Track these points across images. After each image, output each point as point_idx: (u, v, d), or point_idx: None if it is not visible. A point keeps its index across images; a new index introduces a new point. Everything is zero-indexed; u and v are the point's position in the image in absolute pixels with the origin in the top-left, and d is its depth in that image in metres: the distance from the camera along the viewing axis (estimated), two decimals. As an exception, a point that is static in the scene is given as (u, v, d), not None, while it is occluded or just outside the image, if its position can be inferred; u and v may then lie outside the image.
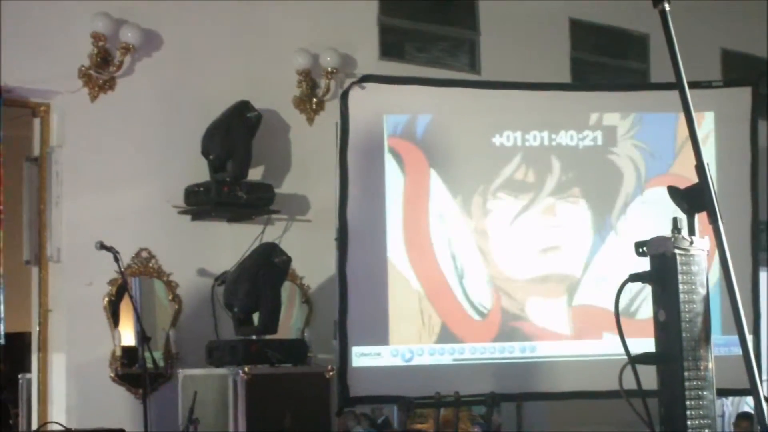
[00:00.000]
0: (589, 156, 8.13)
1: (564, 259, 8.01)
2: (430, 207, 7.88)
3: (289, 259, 7.45)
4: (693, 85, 3.70)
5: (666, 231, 4.58)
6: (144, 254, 7.70)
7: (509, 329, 7.83)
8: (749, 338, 7.16)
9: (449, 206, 7.89)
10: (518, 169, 8.03)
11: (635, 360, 4.48)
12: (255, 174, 8.09)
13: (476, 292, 7.83)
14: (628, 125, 8.18)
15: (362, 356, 7.55)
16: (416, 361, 7.66)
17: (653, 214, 7.67)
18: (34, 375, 7.50)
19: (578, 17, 9.90)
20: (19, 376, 7.97)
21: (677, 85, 3.34)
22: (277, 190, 8.05)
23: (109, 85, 7.73)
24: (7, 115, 7.38)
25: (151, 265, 7.71)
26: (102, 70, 7.66)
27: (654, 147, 8.15)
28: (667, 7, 3.34)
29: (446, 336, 7.73)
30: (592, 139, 8.14)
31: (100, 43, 7.59)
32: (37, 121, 7.69)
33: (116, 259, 6.64)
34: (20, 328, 7.79)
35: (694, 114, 3.33)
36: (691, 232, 4.45)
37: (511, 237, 7.98)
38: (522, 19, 9.54)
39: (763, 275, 8.13)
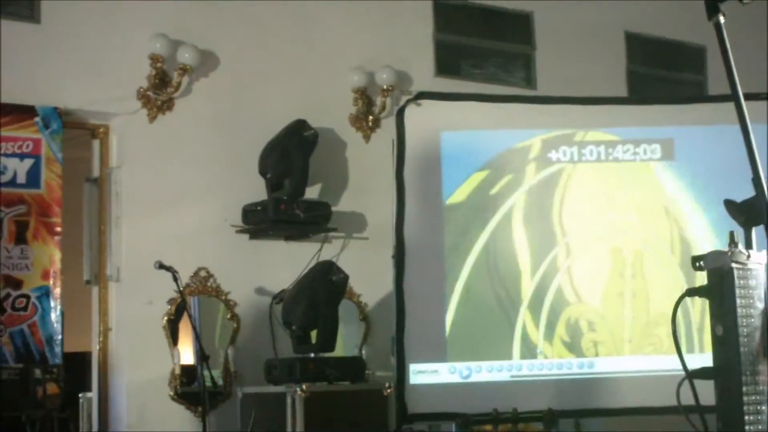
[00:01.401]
0: (647, 170, 8.08)
1: (625, 274, 7.95)
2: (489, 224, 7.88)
3: (346, 277, 7.46)
4: (749, 96, 3.67)
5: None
6: (202, 273, 7.74)
7: (568, 345, 7.80)
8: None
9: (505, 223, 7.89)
10: (576, 184, 8.01)
11: (693, 375, 4.45)
12: (312, 192, 8.12)
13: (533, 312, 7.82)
14: (686, 138, 8.12)
15: (420, 373, 7.53)
16: (474, 378, 7.63)
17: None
18: (94, 394, 7.58)
19: (634, 30, 9.85)
20: (80, 395, 8.05)
21: (732, 97, 3.32)
22: (334, 208, 8.06)
23: (167, 105, 7.80)
24: (67, 137, 7.47)
25: (209, 284, 7.76)
26: (160, 91, 7.73)
27: (713, 159, 8.07)
28: (722, 19, 3.33)
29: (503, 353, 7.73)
30: (650, 152, 8.08)
31: (158, 65, 7.66)
32: (96, 143, 7.78)
33: (175, 279, 6.69)
34: (81, 348, 7.87)
35: (750, 125, 3.31)
36: (749, 245, 4.41)
37: (574, 253, 7.94)
38: (577, 32, 9.50)
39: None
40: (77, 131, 7.74)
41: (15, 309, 7.06)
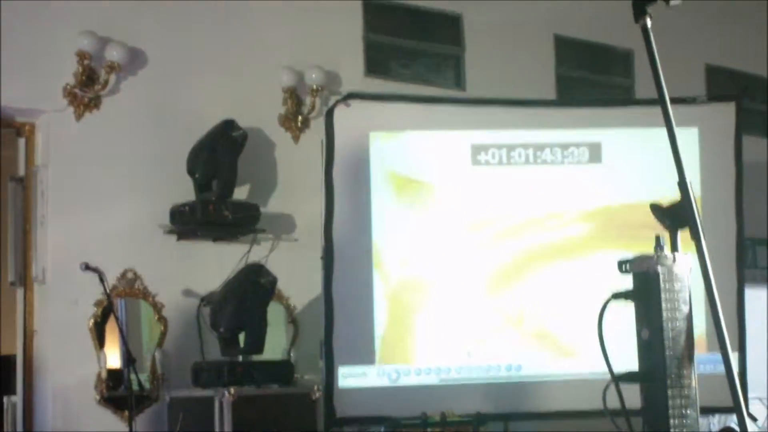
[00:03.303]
0: (575, 173, 8.13)
1: (547, 278, 8.01)
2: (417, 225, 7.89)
3: (275, 279, 7.43)
4: (677, 100, 3.72)
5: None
6: (129, 275, 7.66)
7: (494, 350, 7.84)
8: (735, 356, 7.19)
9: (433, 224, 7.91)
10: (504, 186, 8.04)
11: (619, 379, 4.49)
12: (241, 193, 8.07)
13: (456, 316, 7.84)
14: (614, 141, 8.19)
15: (348, 377, 7.52)
16: (402, 382, 7.64)
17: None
18: (19, 397, 7.46)
19: (563, 33, 9.91)
20: (5, 398, 7.93)
21: (659, 101, 3.34)
22: (263, 209, 8.02)
23: (94, 103, 7.70)
24: (-8, 134, 7.37)
25: (136, 285, 7.68)
26: (87, 88, 7.63)
27: (639, 163, 8.14)
28: (648, 22, 3.35)
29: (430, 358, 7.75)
30: (577, 155, 8.13)
31: (85, 62, 7.57)
32: (21, 141, 7.66)
33: (101, 280, 6.63)
34: (5, 351, 7.77)
35: (676, 129, 3.34)
36: (674, 249, 4.46)
37: (496, 255, 7.97)
38: (506, 34, 9.53)
39: (748, 292, 8.12)
40: (2, 129, 7.61)
41: (-64, 311, 6.96)
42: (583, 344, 7.60)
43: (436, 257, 7.88)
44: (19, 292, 7.53)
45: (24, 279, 7.50)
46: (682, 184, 3.33)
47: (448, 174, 7.98)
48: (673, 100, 3.35)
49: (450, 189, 7.98)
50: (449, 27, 9.43)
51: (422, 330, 7.76)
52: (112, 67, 7.66)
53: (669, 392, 4.42)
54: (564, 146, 8.13)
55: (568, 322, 7.86)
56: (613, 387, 4.40)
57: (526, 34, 9.66)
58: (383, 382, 7.61)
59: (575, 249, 8.03)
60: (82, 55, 7.55)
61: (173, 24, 8.10)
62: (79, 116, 7.67)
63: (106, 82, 7.68)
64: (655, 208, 4.64)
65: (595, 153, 8.15)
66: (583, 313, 7.71)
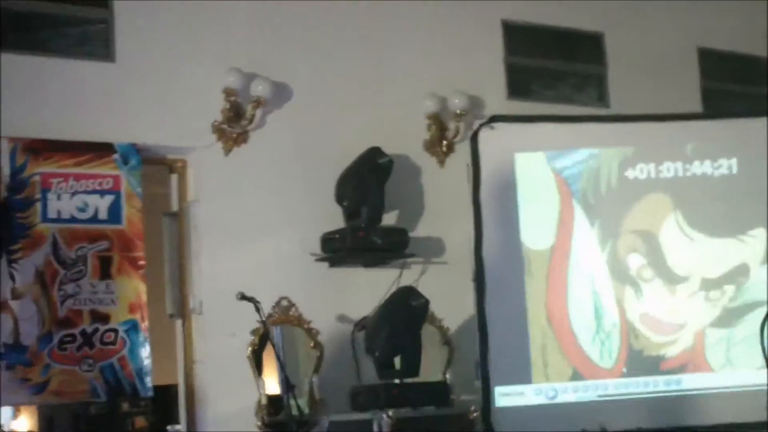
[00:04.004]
0: (726, 184, 8.01)
1: (706, 290, 7.89)
2: (573, 244, 7.84)
3: (427, 302, 7.46)
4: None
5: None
6: (284, 303, 7.76)
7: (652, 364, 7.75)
8: None
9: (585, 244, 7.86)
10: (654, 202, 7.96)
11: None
12: (389, 219, 8.14)
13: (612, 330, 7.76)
14: (763, 151, 8.05)
15: (505, 396, 7.50)
16: (560, 399, 7.59)
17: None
18: (182, 426, 7.60)
19: (706, 45, 9.79)
20: (168, 427, 8.07)
21: None
22: (411, 234, 8.07)
23: (242, 138, 7.86)
24: (146, 172, 7.53)
25: (291, 313, 7.78)
26: (235, 124, 7.79)
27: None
28: None
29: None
30: (728, 167, 8.02)
31: (232, 98, 7.73)
32: (174, 177, 7.85)
33: (257, 309, 6.66)
34: (167, 381, 7.91)
35: None
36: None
37: (649, 271, 7.89)
38: (649, 50, 9.47)
39: None
40: (155, 166, 7.79)
41: (104, 343, 7.11)
42: (744, 356, 7.49)
43: (588, 273, 7.82)
44: (178, 324, 7.69)
45: (182, 311, 7.66)
46: None
47: (596, 192, 7.92)
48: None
49: (599, 206, 7.92)
50: (591, 46, 9.40)
51: (577, 346, 7.69)
52: (258, 102, 7.80)
53: None
54: (714, 158, 8.02)
55: (727, 334, 7.74)
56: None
57: (668, 49, 9.59)
58: (540, 400, 7.57)
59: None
60: (229, 92, 7.71)
61: (316, 56, 8.24)
62: (227, 151, 7.82)
63: (253, 116, 7.82)
64: None
65: (744, 164, 8.02)
66: (743, 324, 7.68)
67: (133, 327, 7.19)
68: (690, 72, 9.72)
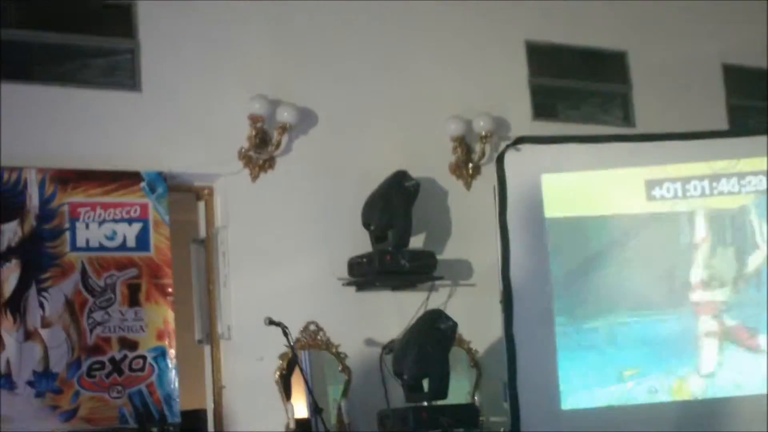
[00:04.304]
0: (755, 201, 7.98)
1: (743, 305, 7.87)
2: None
3: (455, 325, 7.46)
4: None
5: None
6: (312, 327, 7.79)
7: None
8: None
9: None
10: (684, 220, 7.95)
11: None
12: (416, 242, 8.15)
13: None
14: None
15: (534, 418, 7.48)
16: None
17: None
18: (211, 451, 7.64)
19: (731, 62, 9.76)
20: (197, 452, 8.11)
21: None
22: (439, 257, 8.07)
23: (268, 164, 7.91)
24: (173, 200, 7.58)
25: (319, 337, 7.80)
26: (261, 150, 7.84)
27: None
28: None
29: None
30: (755, 184, 7.99)
31: (258, 125, 7.77)
32: (201, 204, 7.90)
33: (285, 334, 6.71)
34: (196, 406, 7.94)
35: None
36: None
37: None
38: (673, 68, 9.46)
39: None
40: (182, 194, 7.85)
41: (132, 370, 7.15)
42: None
43: (614, 296, 7.81)
44: (207, 350, 7.73)
45: (210, 336, 7.69)
46: None
47: (625, 212, 7.91)
48: None
49: (625, 224, 7.91)
50: (615, 65, 9.40)
51: (607, 369, 7.67)
52: (284, 128, 7.84)
53: None
54: (741, 175, 7.99)
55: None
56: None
57: (693, 66, 9.57)
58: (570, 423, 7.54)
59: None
60: (254, 119, 7.76)
61: (340, 81, 8.28)
62: (254, 177, 7.87)
63: (279, 142, 7.86)
64: None
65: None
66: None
67: (161, 354, 7.23)
68: (715, 89, 9.69)
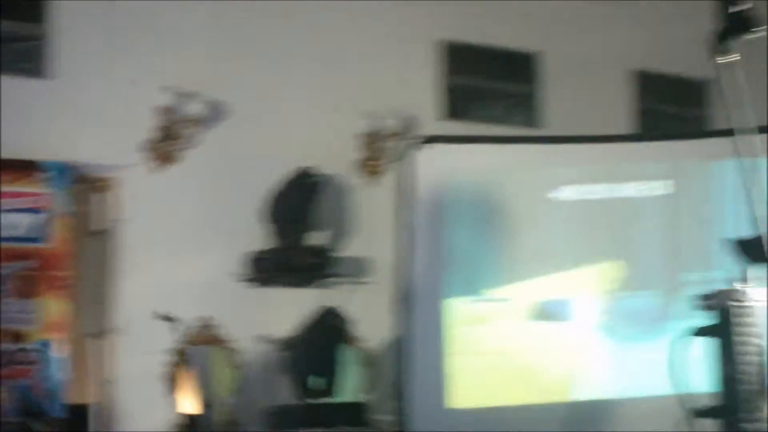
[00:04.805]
0: (657, 206, 8.04)
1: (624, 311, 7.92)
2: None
3: (348, 323, 7.49)
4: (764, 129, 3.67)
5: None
6: (207, 322, 7.78)
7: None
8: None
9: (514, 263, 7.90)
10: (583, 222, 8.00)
11: (698, 414, 4.47)
12: (319, 238, 8.16)
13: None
14: (692, 173, 8.08)
15: (423, 417, 7.52)
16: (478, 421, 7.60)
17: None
18: (95, 446, 7.64)
19: (640, 67, 9.81)
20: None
21: (732, 132, 3.34)
22: (341, 254, 8.11)
23: (173, 157, 7.89)
24: (75, 191, 7.56)
25: (212, 332, 7.79)
26: (166, 143, 7.82)
27: (718, 195, 8.03)
28: (726, 58, 3.36)
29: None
30: (657, 188, 8.05)
31: (164, 117, 7.76)
32: (100, 196, 7.85)
33: (175, 329, 6.74)
34: (85, 400, 7.93)
35: (749, 161, 3.31)
36: (748, 283, 4.43)
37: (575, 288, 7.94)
38: (583, 71, 9.48)
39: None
40: (85, 185, 7.80)
41: (17, 363, 7.13)
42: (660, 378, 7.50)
43: (515, 297, 7.85)
44: (98, 343, 7.69)
45: (103, 330, 7.66)
46: (760, 218, 3.31)
47: (528, 211, 7.95)
48: (761, 129, 3.33)
49: (529, 226, 7.95)
50: (526, 66, 9.41)
51: (497, 368, 7.73)
52: (190, 121, 7.84)
53: (747, 426, 4.40)
54: (646, 179, 8.05)
55: (642, 356, 7.77)
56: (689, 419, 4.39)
57: (602, 70, 9.57)
58: (458, 422, 7.59)
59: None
60: (161, 111, 7.74)
61: (249, 76, 8.26)
62: (158, 170, 7.86)
63: (184, 136, 7.86)
64: (731, 243, 4.62)
65: (674, 185, 8.05)
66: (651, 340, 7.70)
67: (48, 346, 7.19)
68: (625, 93, 9.73)
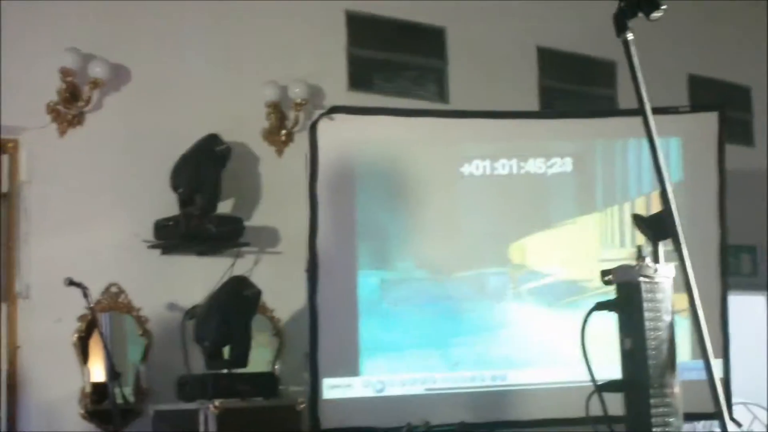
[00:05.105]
0: (559, 183, 8.15)
1: (532, 287, 8.03)
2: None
3: (259, 292, 7.43)
4: (660, 110, 3.72)
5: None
6: (113, 289, 7.66)
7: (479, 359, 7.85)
8: (719, 362, 7.23)
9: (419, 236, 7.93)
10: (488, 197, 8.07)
11: (601, 388, 4.52)
12: (225, 207, 8.08)
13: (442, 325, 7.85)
14: (597, 151, 8.23)
15: (333, 388, 7.52)
16: (388, 392, 7.63)
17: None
18: (3, 412, 7.43)
19: (546, 45, 9.94)
20: (-13, 413, 7.91)
21: (640, 112, 3.36)
22: (247, 223, 8.04)
23: (77, 120, 7.72)
24: (-24, 153, 7.37)
25: (120, 300, 7.68)
26: (70, 105, 7.65)
27: (622, 173, 8.20)
28: (629, 36, 3.38)
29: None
30: (561, 165, 8.16)
31: (69, 78, 7.58)
32: (5, 158, 7.64)
33: (85, 295, 6.60)
34: (-5, 367, 7.78)
35: (657, 140, 3.35)
36: (656, 259, 4.49)
37: (480, 265, 8.00)
38: (489, 47, 9.57)
39: (732, 299, 8.16)
40: (-14, 146, 7.62)
41: None
42: (567, 353, 7.61)
43: (421, 268, 7.89)
44: (3, 308, 7.50)
45: (8, 295, 7.48)
46: (663, 194, 3.34)
47: (433, 186, 7.99)
48: (656, 110, 3.37)
49: (435, 200, 7.99)
50: (432, 40, 9.45)
51: (407, 340, 7.76)
52: (96, 83, 7.68)
53: (652, 401, 4.46)
54: (547, 156, 8.15)
55: (551, 331, 7.88)
56: (596, 395, 4.43)
57: (508, 47, 9.69)
58: (368, 392, 7.60)
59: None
60: (65, 72, 7.57)
61: (157, 40, 8.12)
62: (62, 133, 7.68)
63: (90, 98, 7.70)
64: (637, 219, 4.68)
65: (578, 163, 8.17)
66: (567, 321, 7.82)
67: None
68: (529, 70, 9.85)
